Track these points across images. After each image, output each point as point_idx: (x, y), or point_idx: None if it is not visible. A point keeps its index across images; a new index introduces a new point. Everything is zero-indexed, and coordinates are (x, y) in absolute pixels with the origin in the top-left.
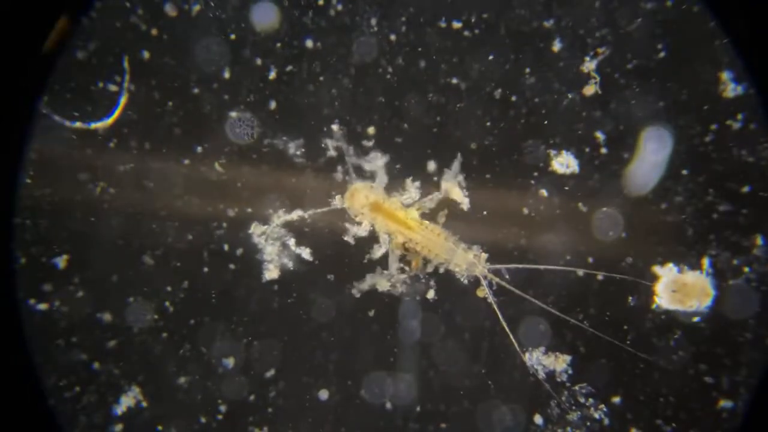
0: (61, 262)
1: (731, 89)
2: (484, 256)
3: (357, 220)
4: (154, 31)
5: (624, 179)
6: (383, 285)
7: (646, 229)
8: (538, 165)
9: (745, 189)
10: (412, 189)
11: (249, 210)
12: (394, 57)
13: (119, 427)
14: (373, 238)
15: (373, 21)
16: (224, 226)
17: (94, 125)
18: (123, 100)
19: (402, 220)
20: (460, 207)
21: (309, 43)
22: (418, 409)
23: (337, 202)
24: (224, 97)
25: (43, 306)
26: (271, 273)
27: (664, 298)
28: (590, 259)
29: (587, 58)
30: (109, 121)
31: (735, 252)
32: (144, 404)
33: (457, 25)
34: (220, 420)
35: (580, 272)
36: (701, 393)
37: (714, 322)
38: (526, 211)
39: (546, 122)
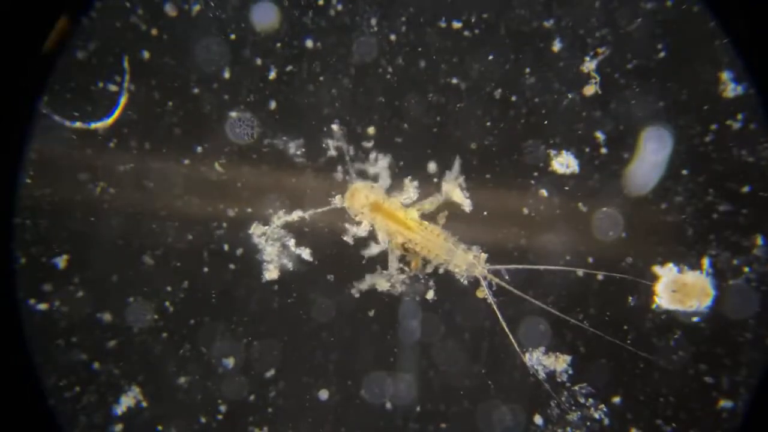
0: (61, 262)
1: (731, 89)
2: (484, 256)
3: (357, 220)
4: (154, 31)
5: (624, 179)
6: (383, 285)
7: (646, 229)
8: (538, 165)
9: (745, 189)
10: (412, 189)
11: (249, 210)
12: (394, 57)
13: (119, 427)
14: (372, 238)
15: (373, 21)
16: (224, 226)
17: (94, 125)
18: (123, 100)
19: (402, 220)
20: (460, 208)
21: (309, 43)
22: (418, 409)
23: (337, 201)
24: (224, 97)
25: (43, 306)
26: (271, 273)
27: (664, 298)
28: (590, 259)
29: (587, 58)
30: (109, 121)
31: (735, 252)
32: (144, 404)
33: (457, 25)
34: (220, 420)
35: (580, 272)
36: (701, 393)
37: (714, 322)
38: (526, 211)
39: (546, 122)
